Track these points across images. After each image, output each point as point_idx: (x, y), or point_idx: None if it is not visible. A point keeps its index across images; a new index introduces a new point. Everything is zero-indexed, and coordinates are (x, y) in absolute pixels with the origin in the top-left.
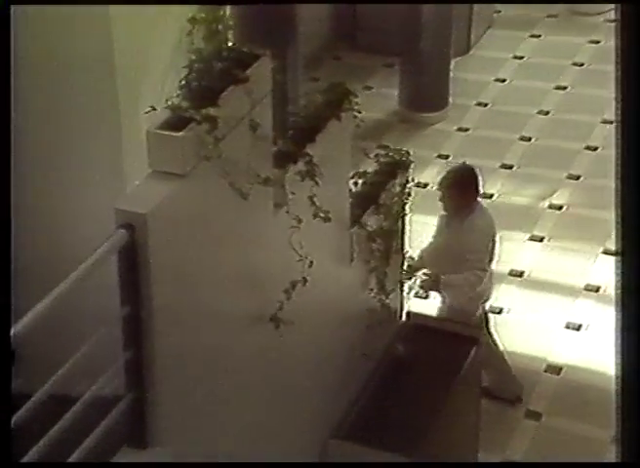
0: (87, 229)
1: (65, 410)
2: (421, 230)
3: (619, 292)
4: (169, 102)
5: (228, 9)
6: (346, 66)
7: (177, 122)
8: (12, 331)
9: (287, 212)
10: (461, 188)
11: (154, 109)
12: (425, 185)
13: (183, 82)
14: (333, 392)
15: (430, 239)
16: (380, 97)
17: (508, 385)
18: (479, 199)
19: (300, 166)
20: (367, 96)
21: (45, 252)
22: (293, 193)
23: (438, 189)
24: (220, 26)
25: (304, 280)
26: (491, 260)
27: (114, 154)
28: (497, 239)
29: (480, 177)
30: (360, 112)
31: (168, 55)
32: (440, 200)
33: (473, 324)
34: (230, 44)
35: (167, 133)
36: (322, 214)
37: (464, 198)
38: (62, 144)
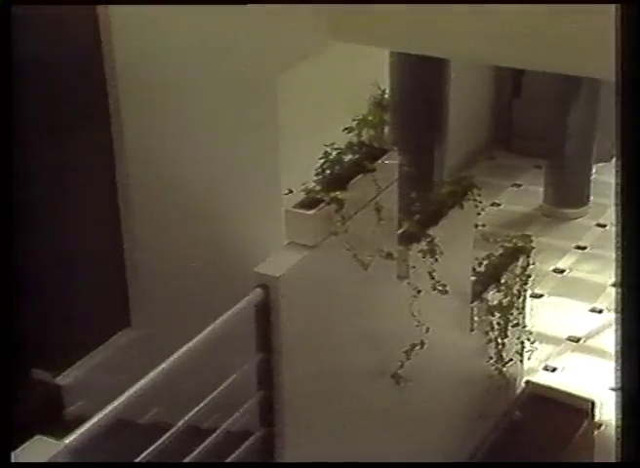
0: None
1: (195, 441)
2: (555, 310)
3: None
4: (304, 186)
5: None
6: (499, 166)
7: (310, 202)
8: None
9: (408, 283)
10: None
11: (291, 192)
12: (562, 271)
13: (319, 169)
14: (449, 446)
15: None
16: (527, 193)
17: None
18: None
19: (423, 245)
20: (515, 192)
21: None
22: (414, 267)
23: None
24: (384, 128)
25: (422, 343)
26: None
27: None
28: None
29: None
30: (481, 202)
31: None
32: None
33: None
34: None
35: (301, 211)
36: (440, 287)
37: None
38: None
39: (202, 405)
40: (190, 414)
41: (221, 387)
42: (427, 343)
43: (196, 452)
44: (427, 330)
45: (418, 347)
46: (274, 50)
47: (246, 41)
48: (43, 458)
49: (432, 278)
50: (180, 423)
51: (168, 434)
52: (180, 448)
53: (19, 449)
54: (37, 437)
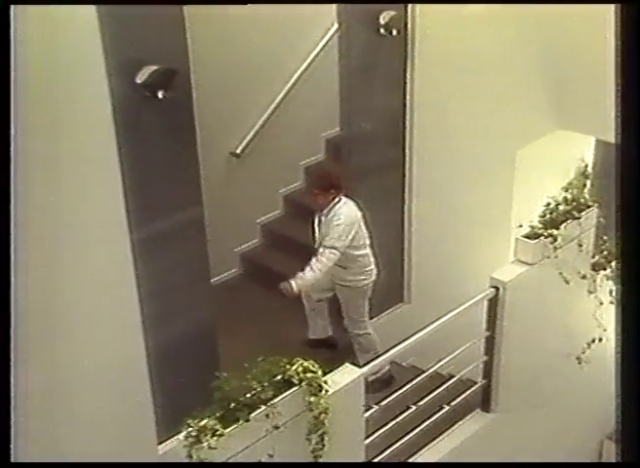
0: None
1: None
2: None
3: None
4: (530, 224)
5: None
6: None
7: (533, 235)
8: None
9: (595, 296)
10: (322, 188)
11: (521, 226)
12: None
13: (542, 213)
14: (610, 410)
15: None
16: None
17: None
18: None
19: (608, 272)
20: None
21: None
22: (600, 286)
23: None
24: (585, 189)
25: (600, 339)
26: (364, 243)
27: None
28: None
29: (337, 176)
30: None
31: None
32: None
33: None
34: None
35: (526, 240)
36: (616, 301)
37: (326, 195)
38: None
39: (447, 359)
40: (438, 365)
41: (459, 351)
42: (604, 339)
43: (437, 392)
44: (605, 329)
45: (597, 341)
46: (518, 131)
47: (498, 125)
48: (351, 376)
49: (611, 294)
50: (430, 371)
51: (422, 376)
52: (426, 385)
53: (339, 369)
54: (346, 364)
